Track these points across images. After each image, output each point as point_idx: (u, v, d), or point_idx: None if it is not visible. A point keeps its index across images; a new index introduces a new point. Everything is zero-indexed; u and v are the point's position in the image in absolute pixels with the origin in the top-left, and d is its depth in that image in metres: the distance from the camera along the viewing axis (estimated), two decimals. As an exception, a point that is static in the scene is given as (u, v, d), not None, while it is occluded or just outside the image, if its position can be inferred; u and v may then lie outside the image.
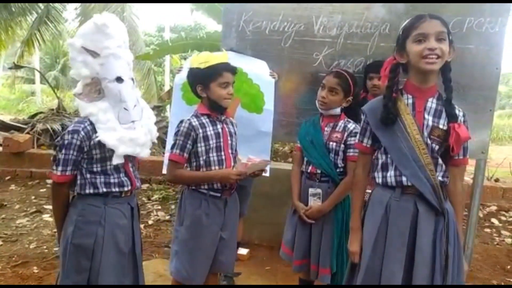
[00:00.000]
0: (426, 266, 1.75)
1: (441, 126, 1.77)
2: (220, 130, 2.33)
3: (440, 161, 1.80)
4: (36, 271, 3.33)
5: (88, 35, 1.87)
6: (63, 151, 1.87)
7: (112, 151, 1.93)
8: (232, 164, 2.34)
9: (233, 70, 2.31)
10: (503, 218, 5.41)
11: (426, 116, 1.78)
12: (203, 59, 2.29)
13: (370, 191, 2.79)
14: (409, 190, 1.79)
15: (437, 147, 1.77)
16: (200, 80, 2.29)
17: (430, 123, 1.77)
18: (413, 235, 1.76)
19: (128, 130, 1.95)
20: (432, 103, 1.79)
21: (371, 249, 1.84)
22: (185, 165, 2.35)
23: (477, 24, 3.07)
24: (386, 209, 1.82)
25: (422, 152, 1.75)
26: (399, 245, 1.78)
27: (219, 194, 2.33)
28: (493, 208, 5.65)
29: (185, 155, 2.28)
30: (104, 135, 1.88)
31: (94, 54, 1.87)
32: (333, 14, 3.22)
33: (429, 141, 1.76)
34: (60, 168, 1.88)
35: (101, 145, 1.90)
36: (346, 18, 3.21)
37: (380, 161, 1.87)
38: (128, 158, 2.03)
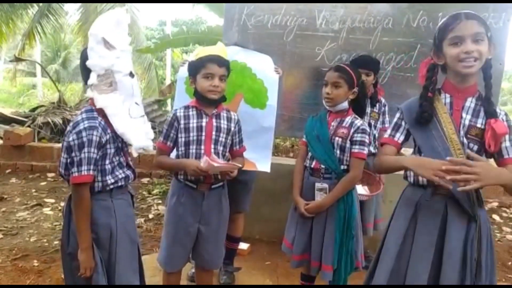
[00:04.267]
0: (455, 271, 1.69)
1: (478, 125, 1.71)
2: (203, 123, 2.31)
3: None
4: (36, 264, 3.32)
5: (108, 27, 1.89)
6: (85, 149, 1.81)
7: (122, 145, 1.97)
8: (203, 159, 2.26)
9: (220, 62, 2.27)
10: (504, 214, 5.41)
11: (463, 115, 1.74)
12: (197, 52, 2.39)
13: (365, 191, 2.83)
14: (441, 191, 1.73)
15: (475, 147, 1.72)
16: (190, 72, 2.36)
17: (467, 122, 1.73)
18: (442, 237, 1.72)
19: (140, 124, 2.00)
20: (471, 103, 1.75)
21: (398, 248, 1.80)
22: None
23: (481, 19, 3.04)
24: (416, 208, 1.79)
25: (458, 152, 1.69)
26: (427, 245, 1.73)
27: (194, 186, 2.32)
28: (495, 204, 5.64)
29: (169, 143, 2.35)
30: (123, 128, 1.90)
31: (111, 47, 1.88)
32: (336, 8, 3.20)
33: (465, 141, 1.71)
34: (84, 167, 1.81)
35: (114, 139, 1.92)
36: (348, 12, 3.20)
37: None
38: (127, 150, 2.05)
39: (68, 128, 1.91)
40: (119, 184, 1.98)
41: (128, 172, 2.04)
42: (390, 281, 1.80)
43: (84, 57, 1.92)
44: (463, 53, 1.63)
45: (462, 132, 1.72)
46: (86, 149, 1.81)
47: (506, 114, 1.76)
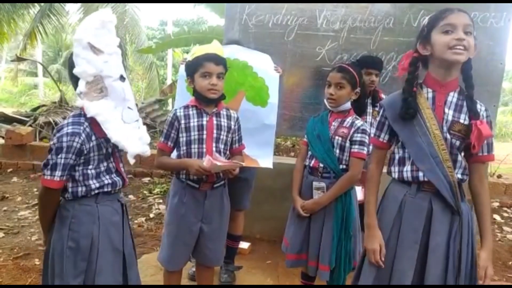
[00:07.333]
0: (439, 266, 1.71)
1: (461, 121, 1.73)
2: (204, 122, 2.32)
3: (459, 157, 1.75)
4: (37, 263, 3.33)
5: (93, 30, 1.77)
6: (63, 155, 1.72)
7: (113, 150, 1.90)
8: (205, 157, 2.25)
9: (217, 60, 2.27)
10: (505, 214, 5.40)
11: (446, 110, 1.74)
12: (193, 51, 2.36)
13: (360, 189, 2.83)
14: (426, 187, 1.75)
15: (457, 143, 1.73)
16: (188, 72, 2.35)
17: (450, 117, 1.73)
18: (427, 233, 1.73)
19: (134, 129, 1.89)
20: (453, 98, 1.75)
21: (383, 244, 1.81)
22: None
23: (482, 19, 3.05)
24: (400, 205, 1.79)
25: (441, 148, 1.71)
26: (412, 243, 1.74)
27: (197, 185, 2.32)
28: (495, 204, 5.64)
29: (170, 143, 2.35)
30: (117, 136, 1.80)
31: (98, 52, 1.77)
32: (337, 8, 3.21)
33: (448, 136, 1.72)
34: (58, 173, 1.73)
35: (100, 146, 1.83)
36: (349, 11, 3.20)
37: (397, 156, 1.84)
38: (119, 155, 1.98)
39: (55, 130, 1.83)
40: (105, 189, 1.88)
41: (117, 179, 1.93)
42: (376, 278, 1.81)
43: (70, 64, 1.80)
44: (454, 39, 1.63)
45: (445, 128, 1.73)
46: (63, 155, 1.73)
47: (486, 110, 1.78)
